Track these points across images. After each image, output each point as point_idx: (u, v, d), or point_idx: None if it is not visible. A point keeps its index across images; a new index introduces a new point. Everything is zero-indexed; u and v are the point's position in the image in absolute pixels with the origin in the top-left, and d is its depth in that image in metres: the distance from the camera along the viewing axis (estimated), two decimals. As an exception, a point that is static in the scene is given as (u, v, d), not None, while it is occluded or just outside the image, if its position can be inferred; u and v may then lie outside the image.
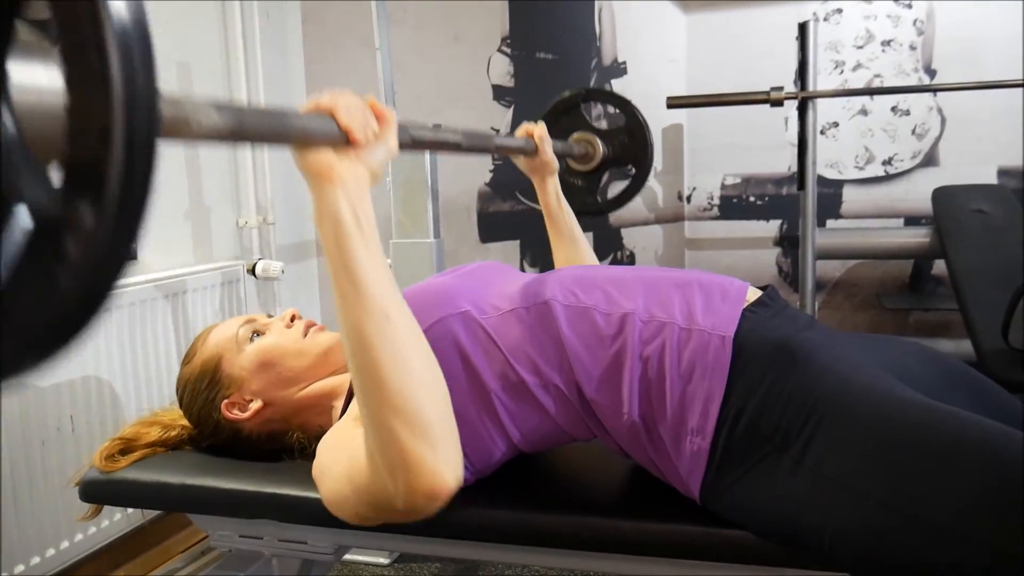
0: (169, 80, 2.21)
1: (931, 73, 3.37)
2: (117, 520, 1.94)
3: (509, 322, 1.09)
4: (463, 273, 1.24)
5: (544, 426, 1.10)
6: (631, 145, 1.92)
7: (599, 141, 1.90)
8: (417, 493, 0.82)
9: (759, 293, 1.12)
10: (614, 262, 3.62)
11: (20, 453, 1.71)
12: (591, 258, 1.67)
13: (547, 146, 1.57)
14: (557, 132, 1.89)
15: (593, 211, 1.98)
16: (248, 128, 0.73)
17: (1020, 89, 3.07)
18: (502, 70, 3.25)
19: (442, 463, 0.82)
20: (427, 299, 1.10)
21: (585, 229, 3.44)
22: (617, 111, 2.02)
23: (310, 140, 0.84)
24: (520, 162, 1.61)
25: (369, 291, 0.83)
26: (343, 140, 0.86)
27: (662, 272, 1.14)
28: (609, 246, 3.60)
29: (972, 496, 0.82)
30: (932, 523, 0.83)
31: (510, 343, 1.07)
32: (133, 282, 1.97)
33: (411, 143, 1.05)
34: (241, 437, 1.30)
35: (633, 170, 1.96)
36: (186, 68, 2.25)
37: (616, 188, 2.05)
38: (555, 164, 1.60)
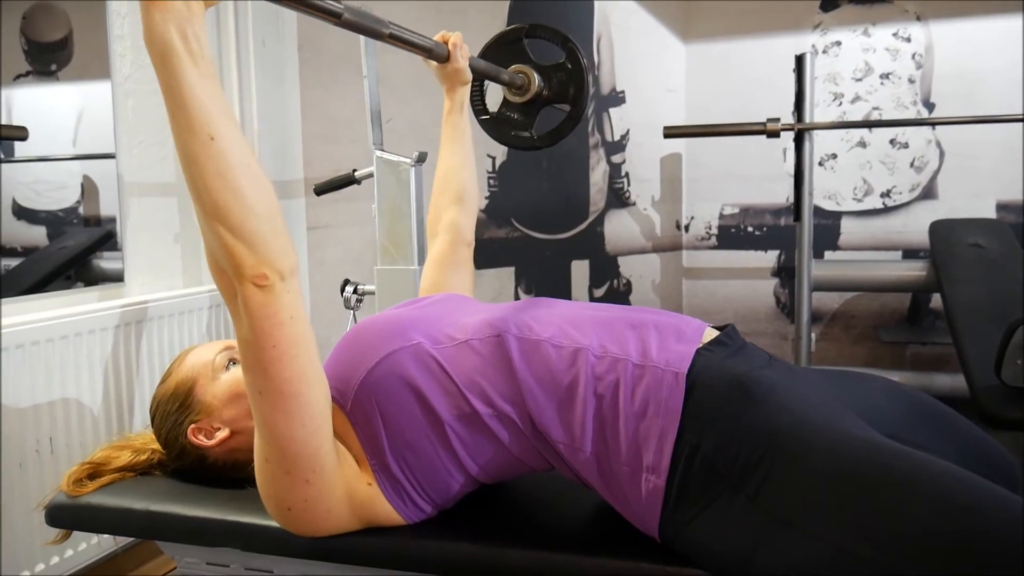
0: (162, 104, 2.23)
1: (930, 107, 3.38)
2: (95, 544, 1.93)
3: (463, 353, 1.08)
4: (424, 304, 1.24)
5: (500, 457, 1.09)
6: (568, 83, 1.90)
7: (536, 74, 1.88)
8: (244, 285, 0.93)
9: (716, 333, 1.11)
10: (610, 291, 3.61)
11: (-3, 474, 1.71)
12: (470, 158, 1.68)
13: (459, 54, 1.58)
14: (498, 65, 1.88)
15: (527, 146, 1.96)
16: None
17: (1019, 124, 3.07)
18: (499, 100, 3.26)
19: (263, 261, 0.92)
20: (380, 332, 1.10)
21: (581, 257, 3.44)
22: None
23: None
24: (431, 68, 1.63)
25: (194, 112, 0.87)
26: None
27: (620, 311, 1.13)
28: (605, 274, 3.60)
29: (923, 539, 0.81)
30: (882, 566, 0.82)
31: (463, 374, 1.07)
32: (119, 304, 1.97)
33: None
34: (207, 464, 1.29)
35: (569, 108, 1.93)
36: (180, 93, 2.27)
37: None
38: (467, 75, 1.63)
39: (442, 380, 1.06)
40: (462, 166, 1.66)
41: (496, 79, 1.85)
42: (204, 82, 0.88)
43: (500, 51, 1.92)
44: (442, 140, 1.68)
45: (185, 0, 0.87)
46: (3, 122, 2.19)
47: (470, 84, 1.66)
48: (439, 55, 1.55)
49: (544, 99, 1.91)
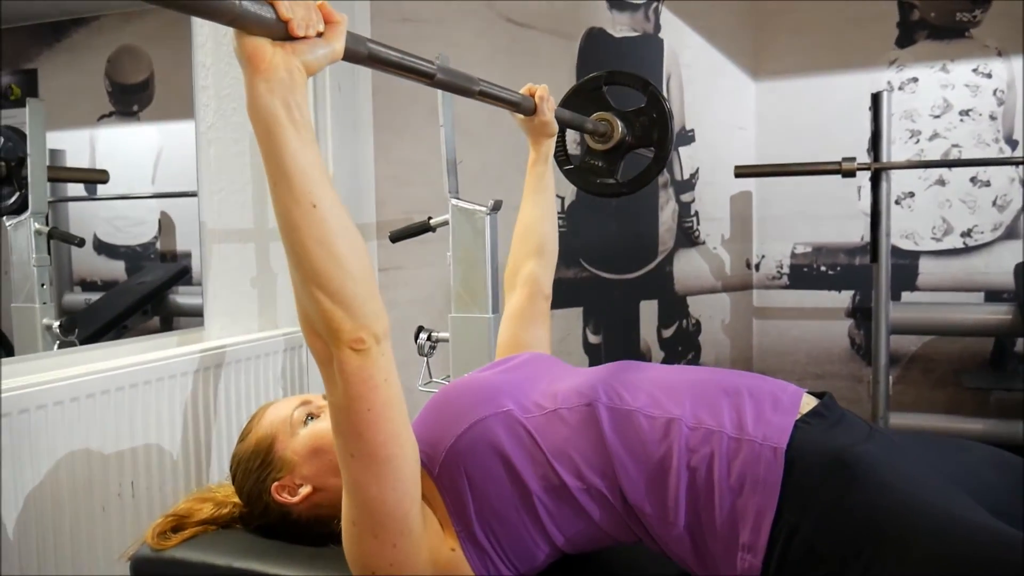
0: (242, 152, 2.29)
1: (1012, 144, 3.27)
2: (172, 587, 1.95)
3: (552, 423, 1.07)
4: (509, 367, 1.23)
5: (588, 530, 1.07)
6: (651, 126, 1.89)
7: (618, 120, 1.88)
8: (341, 349, 0.93)
9: (815, 402, 1.07)
10: (679, 330, 3.56)
11: (82, 517, 1.74)
12: (551, 211, 1.68)
13: (546, 107, 1.58)
14: (579, 113, 1.88)
15: (613, 193, 1.96)
16: None
17: (1109, 162, 2.95)
18: (570, 137, 3.26)
19: (360, 325, 0.93)
20: (469, 397, 1.09)
21: (649, 297, 3.40)
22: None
23: (243, 23, 0.82)
24: (518, 120, 1.62)
25: (296, 180, 0.87)
26: (282, 32, 0.85)
27: (711, 374, 1.10)
28: (675, 314, 3.56)
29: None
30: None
31: (552, 444, 1.05)
32: (198, 349, 2.01)
33: (367, 57, 1.01)
34: (290, 520, 1.29)
35: (654, 151, 1.92)
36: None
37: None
38: (554, 127, 1.62)
39: (531, 450, 1.05)
40: (543, 218, 1.65)
41: (580, 128, 1.86)
42: (306, 151, 0.88)
43: (580, 100, 1.93)
44: (525, 191, 1.68)
45: (288, 70, 0.87)
46: (89, 160, 2.28)
47: (555, 136, 1.65)
48: (526, 108, 1.56)
49: (628, 145, 1.91)
